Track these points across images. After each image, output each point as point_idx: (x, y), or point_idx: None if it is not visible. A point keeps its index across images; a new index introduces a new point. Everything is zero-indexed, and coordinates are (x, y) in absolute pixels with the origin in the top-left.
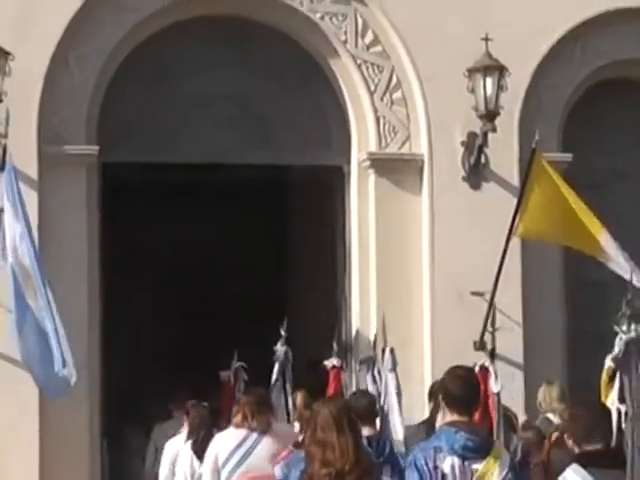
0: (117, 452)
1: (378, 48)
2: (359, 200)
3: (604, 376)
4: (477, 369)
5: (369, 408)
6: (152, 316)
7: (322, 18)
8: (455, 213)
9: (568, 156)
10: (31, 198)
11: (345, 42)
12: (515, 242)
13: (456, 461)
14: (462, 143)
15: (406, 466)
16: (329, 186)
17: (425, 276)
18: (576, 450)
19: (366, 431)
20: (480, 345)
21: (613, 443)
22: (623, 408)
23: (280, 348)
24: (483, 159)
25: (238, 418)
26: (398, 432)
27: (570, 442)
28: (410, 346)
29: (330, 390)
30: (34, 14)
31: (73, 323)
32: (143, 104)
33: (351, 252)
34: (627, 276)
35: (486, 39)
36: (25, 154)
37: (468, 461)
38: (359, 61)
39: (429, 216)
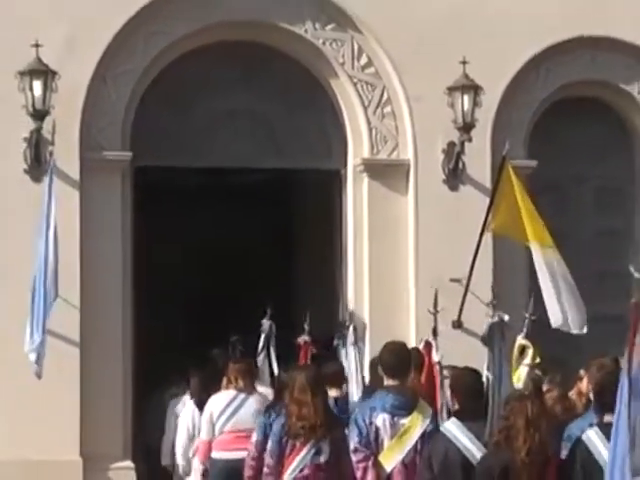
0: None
1: (371, 70)
2: (354, 199)
3: (515, 352)
4: (423, 344)
5: (336, 374)
6: (177, 297)
7: (324, 44)
8: (436, 211)
9: (533, 163)
10: (73, 197)
11: (343, 64)
12: (488, 236)
13: (387, 417)
14: (443, 151)
15: (349, 423)
16: (329, 187)
17: (411, 264)
18: (456, 406)
19: (333, 392)
20: (457, 323)
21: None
22: (490, 374)
23: (265, 322)
24: (460, 165)
25: (224, 382)
26: (354, 396)
27: (454, 400)
28: (398, 324)
29: (301, 361)
30: (77, 40)
31: (108, 304)
32: (170, 116)
33: (347, 243)
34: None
35: (463, 62)
36: (69, 159)
37: (397, 417)
38: (355, 80)
39: (414, 213)
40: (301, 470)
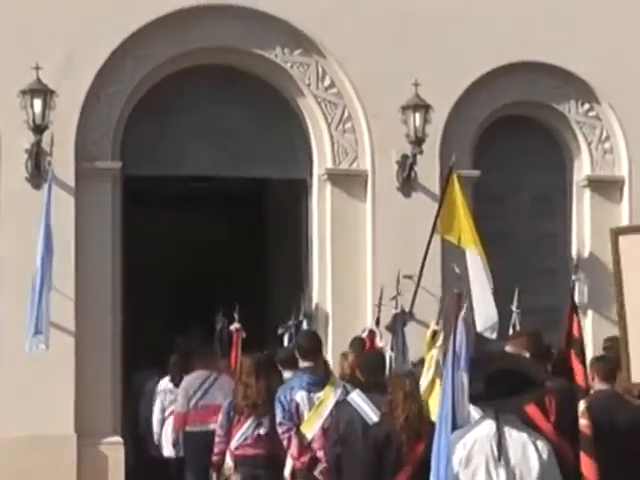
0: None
1: (334, 90)
2: (318, 205)
3: (428, 336)
4: (367, 332)
5: (288, 358)
6: (161, 291)
7: (292, 67)
8: (391, 215)
9: (477, 173)
10: (69, 203)
11: (309, 85)
12: (437, 237)
13: (304, 394)
14: (397, 162)
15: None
16: (296, 194)
17: (368, 262)
18: (362, 380)
19: (288, 374)
20: (409, 315)
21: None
22: (393, 355)
23: (219, 317)
24: (413, 174)
25: (204, 363)
26: None
27: (360, 376)
28: (356, 315)
29: (234, 347)
30: (73, 63)
31: (100, 296)
32: (156, 130)
33: (312, 244)
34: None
35: (415, 84)
36: (65, 168)
37: (312, 393)
38: (319, 100)
39: (371, 217)
40: (245, 439)
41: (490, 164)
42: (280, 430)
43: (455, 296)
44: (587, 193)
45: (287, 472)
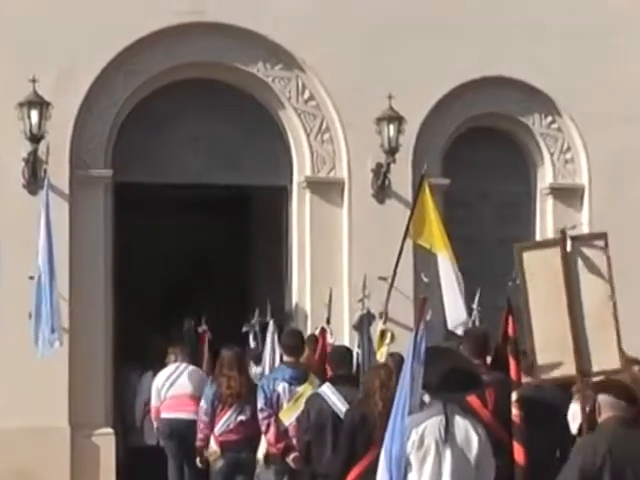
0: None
1: (313, 102)
2: (298, 211)
3: (377, 335)
4: (319, 329)
5: (260, 355)
6: (149, 291)
7: (273, 81)
8: (366, 221)
9: (447, 181)
10: (64, 209)
11: (289, 98)
12: (409, 241)
13: (286, 386)
14: (372, 170)
15: (257, 390)
16: (277, 200)
17: (345, 265)
18: (330, 373)
19: (259, 369)
20: (383, 315)
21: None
22: (360, 352)
23: (187, 320)
24: (387, 182)
25: (171, 356)
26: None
27: (329, 369)
28: (333, 314)
29: (202, 346)
30: (68, 76)
31: (92, 296)
32: (145, 140)
33: (292, 248)
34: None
35: (389, 97)
36: (60, 176)
37: (293, 386)
38: (299, 112)
39: (348, 223)
40: (228, 426)
41: (459, 173)
42: (260, 416)
43: (420, 300)
44: (550, 200)
45: (260, 454)
